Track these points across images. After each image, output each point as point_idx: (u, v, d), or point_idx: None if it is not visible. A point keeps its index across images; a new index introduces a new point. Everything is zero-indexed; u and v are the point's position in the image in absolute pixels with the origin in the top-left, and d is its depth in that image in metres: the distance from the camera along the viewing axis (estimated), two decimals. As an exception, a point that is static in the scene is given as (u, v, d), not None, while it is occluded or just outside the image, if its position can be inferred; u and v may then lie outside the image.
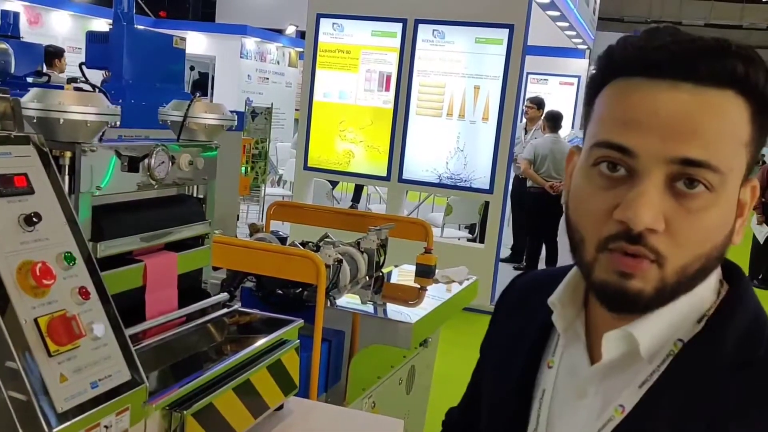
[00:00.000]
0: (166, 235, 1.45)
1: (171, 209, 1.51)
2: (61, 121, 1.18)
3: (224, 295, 1.61)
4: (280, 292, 2.27)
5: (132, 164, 1.32)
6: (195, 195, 1.61)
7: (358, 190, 9.34)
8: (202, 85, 12.53)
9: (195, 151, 1.51)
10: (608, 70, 0.72)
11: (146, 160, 1.36)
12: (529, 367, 0.84)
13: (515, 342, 0.88)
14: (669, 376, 0.72)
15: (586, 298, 0.81)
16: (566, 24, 9.17)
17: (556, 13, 8.20)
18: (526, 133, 7.58)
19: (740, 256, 8.33)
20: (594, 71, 0.76)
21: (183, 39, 3.30)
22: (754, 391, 0.68)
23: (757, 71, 0.67)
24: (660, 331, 0.72)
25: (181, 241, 1.53)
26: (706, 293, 0.74)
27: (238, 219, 3.93)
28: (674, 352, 0.73)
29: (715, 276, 0.75)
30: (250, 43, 12.27)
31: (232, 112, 1.73)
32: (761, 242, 7.60)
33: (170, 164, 1.43)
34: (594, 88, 0.75)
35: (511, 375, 0.85)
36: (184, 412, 1.18)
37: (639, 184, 0.67)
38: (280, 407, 1.55)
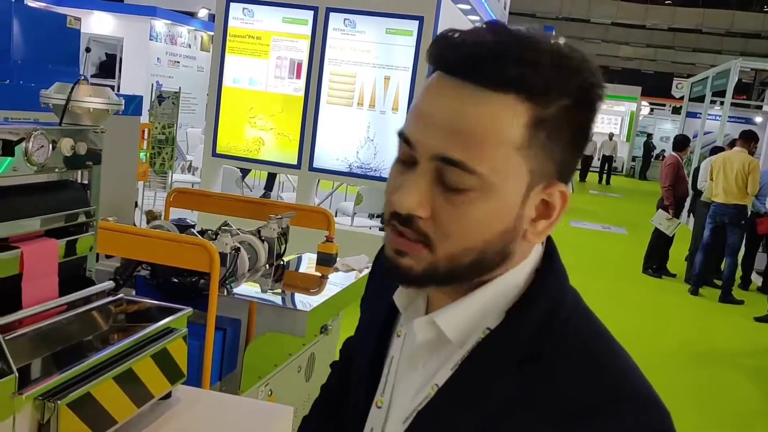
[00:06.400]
0: (45, 222, 1.41)
1: (52, 195, 1.47)
2: (-74, 101, 1.13)
3: (109, 284, 1.58)
4: (175, 280, 2.23)
5: (6, 148, 1.27)
6: (81, 181, 1.57)
7: (271, 178, 9.25)
8: (110, 67, 12.07)
9: (78, 136, 1.47)
10: (429, 62, 0.76)
11: (24, 144, 1.32)
12: (382, 335, 0.88)
13: (375, 309, 0.92)
14: (468, 364, 0.75)
15: None
16: (477, 18, 9.34)
17: (467, 7, 8.36)
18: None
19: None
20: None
21: (78, 19, 3.18)
22: (529, 387, 0.70)
23: (535, 75, 0.67)
24: (467, 318, 0.76)
25: (65, 228, 1.49)
26: (518, 281, 0.76)
27: (137, 206, 3.84)
28: (481, 340, 0.76)
29: (532, 264, 0.77)
30: (160, 25, 11.90)
31: (119, 95, 1.69)
32: (669, 235, 8.10)
33: (50, 149, 1.39)
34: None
35: (368, 342, 0.89)
36: (58, 402, 1.15)
37: (412, 173, 0.73)
38: (168, 396, 1.54)
